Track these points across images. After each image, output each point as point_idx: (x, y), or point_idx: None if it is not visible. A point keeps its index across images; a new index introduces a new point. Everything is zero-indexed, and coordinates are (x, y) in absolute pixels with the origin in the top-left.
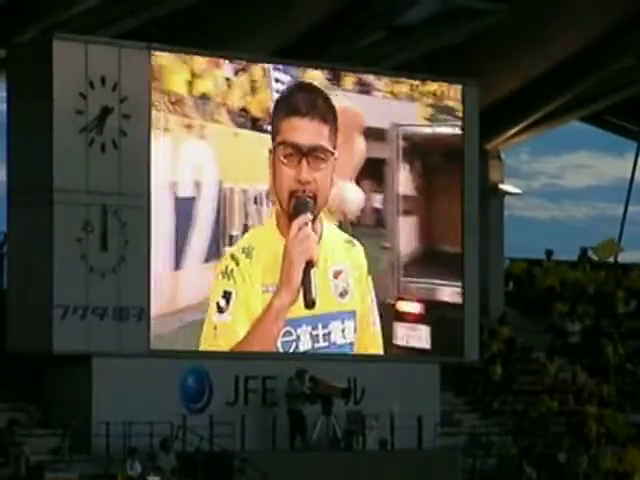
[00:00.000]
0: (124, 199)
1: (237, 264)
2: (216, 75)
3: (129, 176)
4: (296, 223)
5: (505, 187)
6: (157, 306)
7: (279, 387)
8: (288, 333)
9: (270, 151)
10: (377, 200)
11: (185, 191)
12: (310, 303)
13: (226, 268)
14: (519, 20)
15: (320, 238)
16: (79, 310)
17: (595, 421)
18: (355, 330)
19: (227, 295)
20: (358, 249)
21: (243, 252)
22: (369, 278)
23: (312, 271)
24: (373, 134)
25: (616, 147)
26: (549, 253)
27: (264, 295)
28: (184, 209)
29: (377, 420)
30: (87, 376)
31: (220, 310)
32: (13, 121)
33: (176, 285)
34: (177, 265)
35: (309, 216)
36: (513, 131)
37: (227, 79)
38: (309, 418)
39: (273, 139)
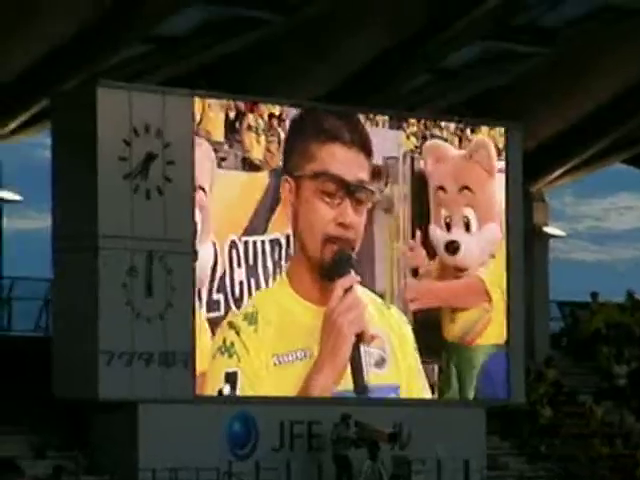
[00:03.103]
0: (169, 245)
1: (237, 334)
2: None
3: (174, 222)
4: (341, 284)
5: (550, 230)
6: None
7: (325, 432)
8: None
9: (287, 181)
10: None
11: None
12: (361, 389)
13: (224, 342)
14: (562, 63)
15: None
16: (125, 356)
17: None
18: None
19: (231, 377)
20: (395, 313)
21: (245, 319)
22: (415, 351)
23: (363, 349)
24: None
25: None
26: (594, 295)
27: (277, 369)
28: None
29: (424, 464)
30: (133, 423)
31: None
32: (58, 169)
33: None
34: None
35: (355, 276)
36: (557, 174)
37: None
38: (355, 463)
39: (292, 168)
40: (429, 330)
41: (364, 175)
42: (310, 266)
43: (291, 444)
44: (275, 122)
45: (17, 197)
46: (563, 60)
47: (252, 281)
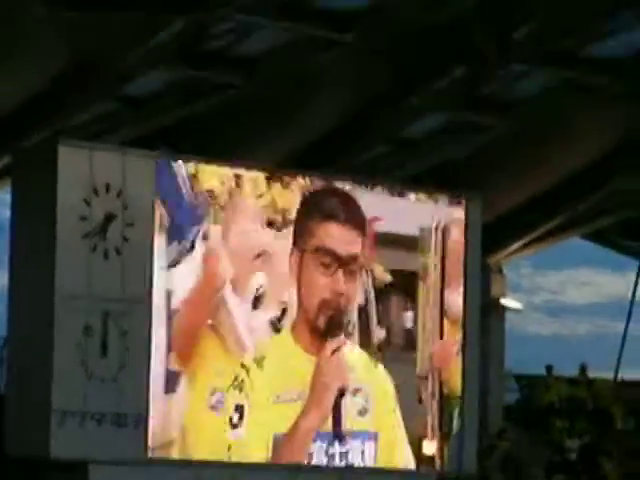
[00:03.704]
0: (125, 306)
1: (247, 373)
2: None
3: (131, 283)
4: (330, 346)
5: (506, 302)
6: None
7: None
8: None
9: (292, 252)
10: (407, 319)
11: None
12: (341, 436)
13: (236, 378)
14: (523, 135)
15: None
16: (77, 415)
17: None
18: (376, 455)
19: (239, 409)
20: (381, 372)
21: (254, 361)
22: (397, 408)
23: (343, 402)
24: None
25: (617, 264)
26: (549, 368)
27: (275, 406)
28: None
29: None
30: None
31: (234, 426)
32: (17, 226)
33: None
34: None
35: (343, 339)
36: (516, 246)
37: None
38: None
39: (299, 242)
40: None
41: (357, 250)
42: (309, 325)
43: None
44: None
45: None
46: (525, 132)
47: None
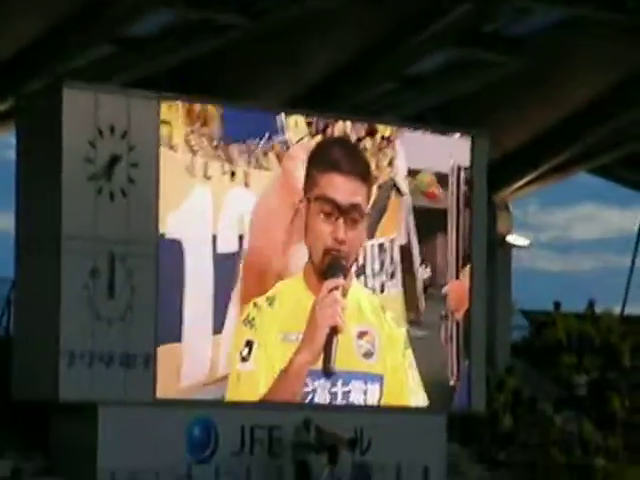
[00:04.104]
0: (132, 247)
1: (258, 312)
2: None
3: (137, 224)
4: (327, 285)
5: (513, 239)
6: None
7: (285, 437)
8: (304, 384)
9: (301, 200)
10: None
11: (226, 246)
12: (328, 371)
13: (248, 316)
14: (528, 72)
15: (344, 296)
16: (86, 357)
17: (602, 474)
18: (380, 396)
19: (249, 344)
20: (389, 316)
21: (267, 300)
22: (408, 352)
23: (335, 339)
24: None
25: (623, 199)
26: (557, 305)
27: (283, 344)
28: (225, 266)
29: (384, 471)
30: (93, 425)
31: (243, 359)
32: (22, 169)
33: (217, 351)
34: (214, 329)
35: (341, 280)
36: (522, 183)
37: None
38: (315, 469)
39: (306, 190)
40: None
41: (359, 199)
42: (314, 268)
43: (251, 448)
44: (384, 143)
45: None
46: (530, 69)
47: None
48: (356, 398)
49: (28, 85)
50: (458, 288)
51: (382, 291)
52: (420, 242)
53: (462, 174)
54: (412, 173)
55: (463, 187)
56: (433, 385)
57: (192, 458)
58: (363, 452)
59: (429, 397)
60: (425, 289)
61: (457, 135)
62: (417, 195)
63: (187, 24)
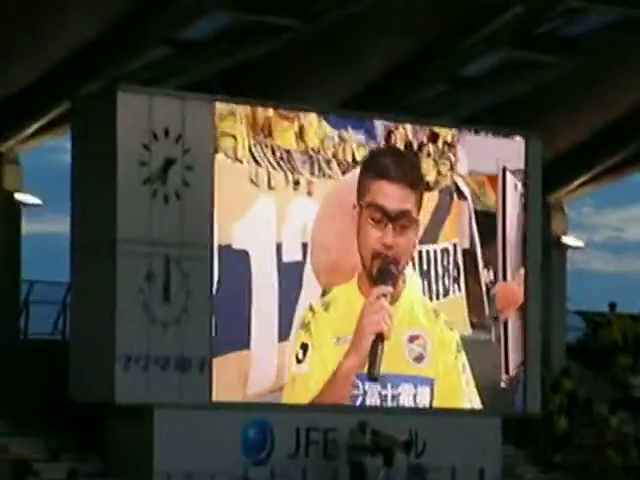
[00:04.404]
0: (186, 250)
1: (314, 316)
2: (324, 129)
3: (191, 227)
4: (375, 292)
5: (568, 240)
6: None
7: (341, 439)
8: (355, 386)
9: (354, 206)
10: None
11: (291, 255)
12: (373, 377)
13: (304, 319)
14: (582, 73)
15: (397, 300)
16: (141, 360)
17: None
18: (432, 399)
19: (304, 347)
20: (442, 321)
21: (322, 305)
22: (461, 355)
23: (380, 347)
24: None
25: None
26: (612, 306)
27: (337, 347)
28: (290, 274)
29: (439, 473)
30: (148, 427)
31: (298, 361)
32: (78, 172)
33: (283, 358)
34: (280, 336)
35: (389, 288)
36: (576, 184)
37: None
38: (370, 471)
39: (359, 197)
40: None
41: (408, 206)
42: (365, 274)
43: (306, 451)
44: (446, 148)
45: (37, 200)
46: (583, 70)
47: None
48: (406, 401)
49: (83, 88)
50: (504, 289)
51: (446, 295)
52: (482, 245)
53: (518, 176)
54: (473, 175)
55: (520, 189)
56: (488, 388)
57: (248, 460)
58: (418, 454)
59: (483, 400)
60: (488, 292)
61: (513, 137)
62: (477, 199)
63: (242, 27)
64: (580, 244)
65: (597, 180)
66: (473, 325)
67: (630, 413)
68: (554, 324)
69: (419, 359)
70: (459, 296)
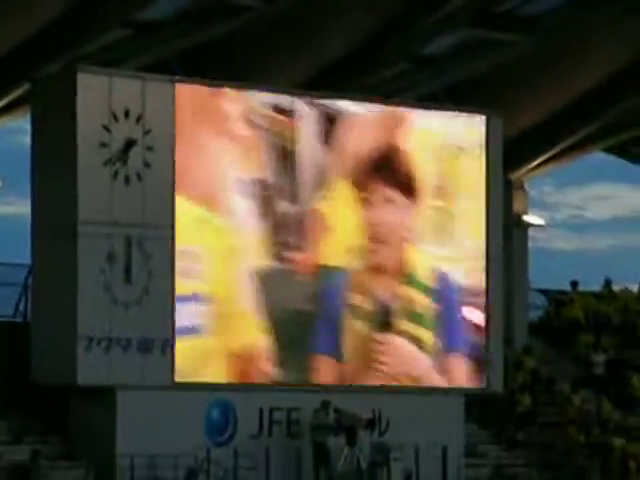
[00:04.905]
0: (148, 231)
1: None
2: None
3: (153, 208)
4: None
5: (529, 218)
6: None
7: (304, 419)
8: None
9: None
10: None
11: None
12: None
13: None
14: (542, 52)
15: None
16: (103, 342)
17: (621, 453)
18: None
19: None
20: None
21: None
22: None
23: None
24: None
25: (638, 178)
26: (574, 284)
27: None
28: None
29: (402, 451)
30: (111, 409)
31: None
32: (38, 154)
33: None
34: None
35: None
36: (537, 162)
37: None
38: (334, 450)
39: None
40: None
41: None
42: None
43: (270, 430)
44: None
45: None
46: (543, 48)
47: None
48: None
49: (43, 70)
50: None
51: None
52: None
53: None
54: None
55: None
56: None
57: (211, 441)
58: (382, 433)
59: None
60: None
61: (472, 115)
62: None
63: (201, 7)
64: (541, 222)
65: (558, 158)
66: None
67: (592, 391)
68: (516, 302)
69: None
70: None
